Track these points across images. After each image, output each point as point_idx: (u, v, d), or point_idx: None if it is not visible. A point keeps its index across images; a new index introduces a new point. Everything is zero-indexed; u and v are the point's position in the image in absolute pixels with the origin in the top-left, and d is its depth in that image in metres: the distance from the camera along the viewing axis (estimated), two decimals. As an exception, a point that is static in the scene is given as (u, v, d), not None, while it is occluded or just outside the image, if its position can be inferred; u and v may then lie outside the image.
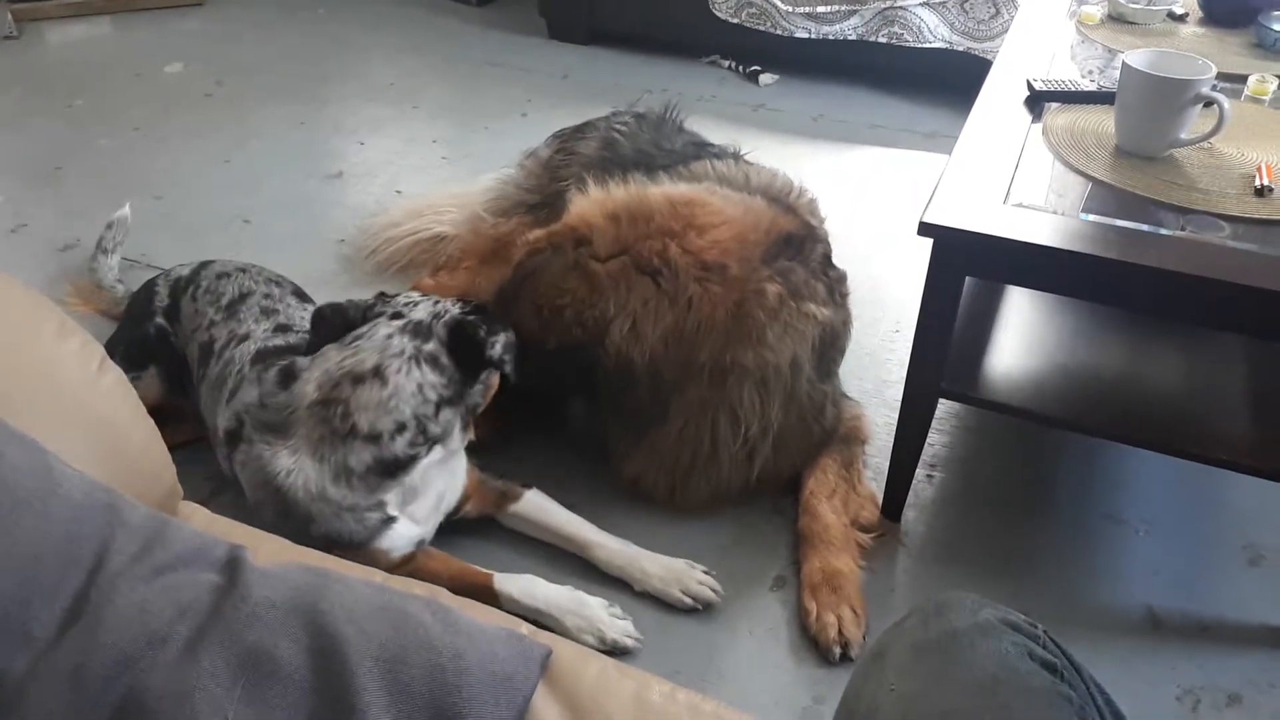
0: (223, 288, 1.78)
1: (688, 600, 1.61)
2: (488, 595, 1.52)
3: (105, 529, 0.95)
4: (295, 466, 1.47)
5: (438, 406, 1.50)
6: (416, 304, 1.57)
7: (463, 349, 1.53)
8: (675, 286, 1.63)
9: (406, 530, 1.54)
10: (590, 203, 1.77)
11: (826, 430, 1.83)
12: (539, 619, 1.49)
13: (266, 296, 1.77)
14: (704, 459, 1.73)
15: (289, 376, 1.53)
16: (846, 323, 1.84)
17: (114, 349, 1.78)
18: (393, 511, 1.52)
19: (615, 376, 1.66)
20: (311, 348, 1.57)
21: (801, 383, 1.72)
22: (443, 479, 1.60)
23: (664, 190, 1.78)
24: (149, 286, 1.89)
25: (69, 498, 0.94)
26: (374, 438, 1.46)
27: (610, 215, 1.71)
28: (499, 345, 1.53)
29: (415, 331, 1.51)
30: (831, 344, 1.79)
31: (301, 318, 1.75)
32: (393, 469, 1.49)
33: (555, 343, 1.68)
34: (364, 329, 1.53)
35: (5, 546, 0.87)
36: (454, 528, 1.68)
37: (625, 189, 1.80)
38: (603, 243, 1.67)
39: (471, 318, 1.55)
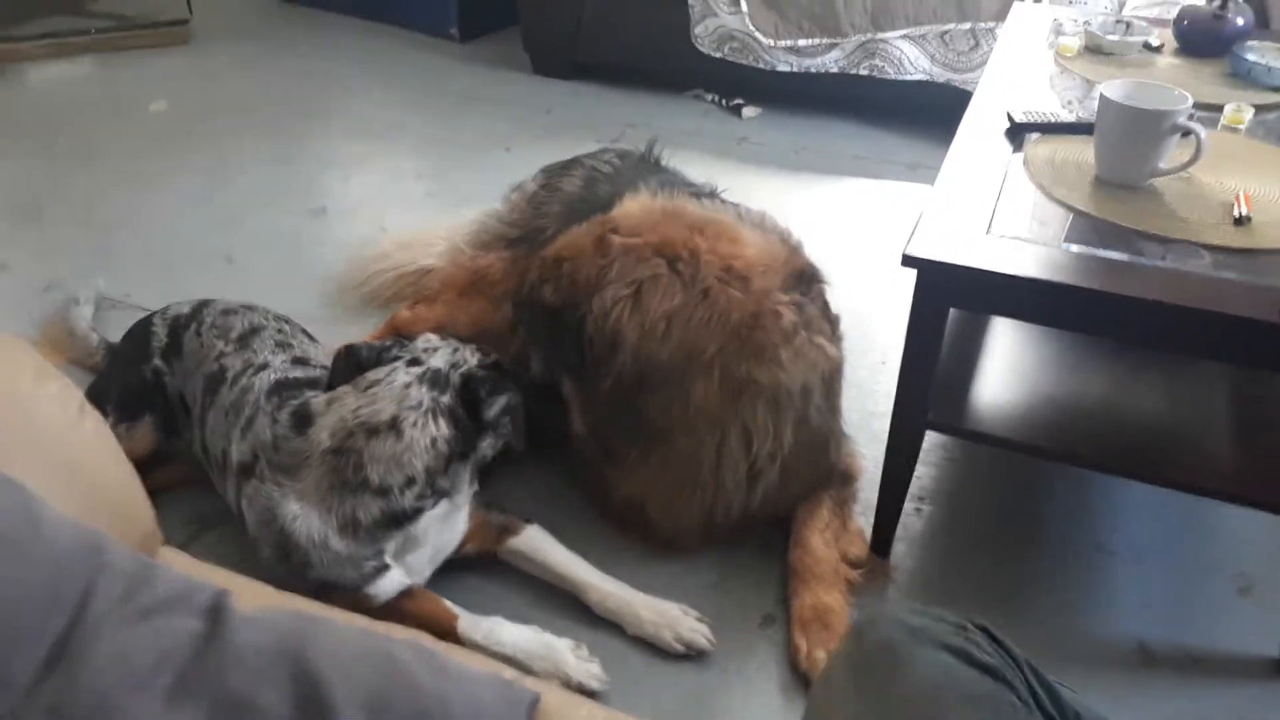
0: (231, 323, 1.76)
1: (679, 647, 1.59)
2: (452, 638, 1.48)
3: (89, 572, 0.94)
4: (302, 513, 1.46)
5: (448, 460, 1.49)
6: (435, 350, 1.55)
7: (472, 403, 1.52)
8: (693, 273, 1.64)
9: (399, 579, 1.52)
10: (634, 202, 1.84)
11: (830, 466, 1.82)
12: (505, 662, 1.44)
13: (279, 331, 1.77)
14: (707, 476, 1.71)
15: (304, 419, 1.51)
16: (842, 363, 1.84)
17: (105, 395, 1.74)
18: (388, 560, 1.50)
19: (597, 343, 1.66)
20: (329, 388, 1.56)
21: (811, 411, 1.72)
22: (443, 534, 1.59)
23: (701, 209, 1.83)
24: (144, 328, 1.84)
25: (53, 540, 0.93)
26: (384, 491, 1.46)
27: (646, 209, 1.78)
28: (496, 408, 1.52)
29: (433, 382, 1.51)
30: (837, 381, 1.80)
31: (315, 354, 1.75)
32: (399, 520, 1.48)
33: (550, 294, 1.72)
34: (380, 374, 1.51)
35: (-16, 592, 0.85)
36: (449, 562, 1.65)
37: (671, 200, 1.86)
38: (627, 224, 1.72)
39: (480, 373, 1.54)
